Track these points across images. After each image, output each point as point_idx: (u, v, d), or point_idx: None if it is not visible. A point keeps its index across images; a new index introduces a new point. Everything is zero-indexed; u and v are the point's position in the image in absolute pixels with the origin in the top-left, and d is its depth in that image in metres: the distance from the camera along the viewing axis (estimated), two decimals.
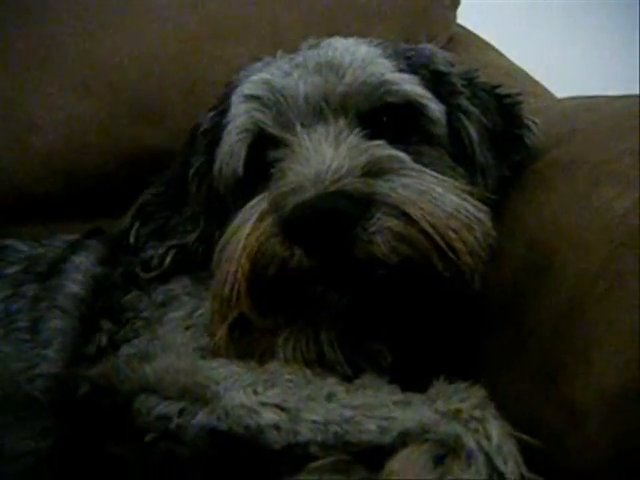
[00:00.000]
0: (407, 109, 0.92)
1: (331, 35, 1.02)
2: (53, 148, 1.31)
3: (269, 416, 0.73)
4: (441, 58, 1.01)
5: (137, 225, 1.05)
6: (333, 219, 0.75)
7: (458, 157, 0.94)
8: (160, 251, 1.01)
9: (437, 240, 0.77)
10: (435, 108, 0.94)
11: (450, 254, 0.78)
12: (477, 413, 0.69)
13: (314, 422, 0.72)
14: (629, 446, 0.65)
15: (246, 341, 0.83)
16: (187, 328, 0.91)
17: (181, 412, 0.76)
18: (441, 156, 0.93)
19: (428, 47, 1.04)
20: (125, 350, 0.89)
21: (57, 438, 0.85)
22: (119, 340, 0.93)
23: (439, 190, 0.81)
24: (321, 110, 0.89)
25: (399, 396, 0.74)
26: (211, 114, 1.04)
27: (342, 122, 0.88)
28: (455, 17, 1.64)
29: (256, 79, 0.96)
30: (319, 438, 0.71)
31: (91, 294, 1.01)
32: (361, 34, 1.02)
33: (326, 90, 0.90)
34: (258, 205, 0.83)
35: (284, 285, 0.79)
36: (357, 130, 0.87)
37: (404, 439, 0.69)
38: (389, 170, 0.81)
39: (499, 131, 0.98)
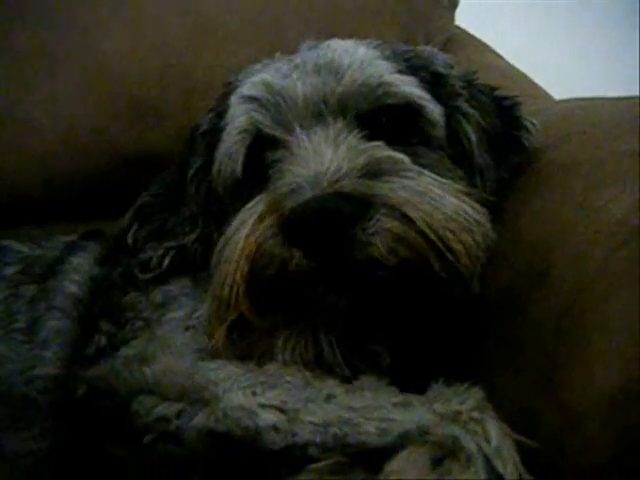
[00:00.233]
0: (406, 110, 0.92)
1: (330, 37, 1.02)
2: (51, 149, 1.30)
3: (268, 417, 0.73)
4: (440, 60, 1.01)
5: (136, 226, 1.05)
6: (332, 220, 0.75)
7: (457, 159, 0.94)
8: (159, 252, 1.00)
9: (435, 241, 0.77)
10: (434, 110, 0.94)
11: (448, 255, 0.78)
12: (476, 415, 0.69)
13: (313, 424, 0.72)
14: (629, 447, 0.65)
15: (245, 342, 0.83)
16: (186, 329, 0.91)
17: (180, 413, 0.76)
18: (440, 158, 0.92)
19: (427, 49, 1.04)
20: (124, 351, 0.89)
21: (56, 439, 0.86)
22: (118, 341, 0.92)
23: (438, 192, 0.81)
24: (320, 111, 0.89)
25: (398, 398, 0.74)
26: (210, 115, 1.04)
27: (341, 123, 0.88)
28: (453, 18, 1.64)
29: (255, 80, 0.96)
30: (318, 440, 0.71)
31: (89, 295, 1.01)
32: (360, 36, 1.02)
33: (325, 91, 0.90)
34: (257, 206, 0.83)
35: (283, 286, 0.79)
36: (356, 131, 0.87)
37: (403, 441, 0.69)
38: (388, 171, 0.81)
39: (498, 133, 0.98)
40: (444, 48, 1.44)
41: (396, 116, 0.92)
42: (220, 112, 1.01)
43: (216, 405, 0.75)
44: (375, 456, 0.69)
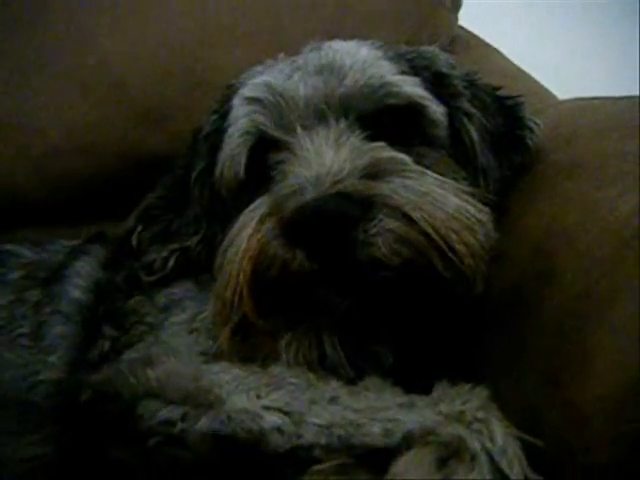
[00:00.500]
0: (408, 111, 0.92)
1: (333, 38, 1.02)
2: (54, 151, 1.30)
3: (272, 420, 0.73)
4: (443, 60, 1.01)
5: (139, 228, 1.05)
6: (334, 221, 0.75)
7: (459, 159, 0.94)
8: (163, 254, 1.01)
9: (438, 242, 0.77)
10: (436, 110, 0.94)
11: (451, 255, 0.78)
12: (480, 415, 0.69)
13: (318, 425, 0.72)
14: (633, 445, 0.65)
15: (249, 344, 0.83)
16: (190, 332, 0.91)
17: (184, 417, 0.76)
18: (442, 158, 0.92)
19: (430, 49, 1.03)
20: (128, 355, 0.89)
21: (60, 444, 0.85)
22: (122, 345, 0.93)
23: (440, 192, 0.81)
24: (322, 112, 0.89)
25: (402, 398, 0.74)
26: (212, 117, 1.04)
27: (343, 124, 0.88)
28: (457, 19, 1.63)
29: (257, 82, 0.96)
30: (323, 441, 0.71)
31: (94, 299, 1.01)
32: (363, 37, 1.02)
33: (327, 92, 0.90)
34: (259, 208, 0.83)
35: (286, 287, 0.79)
36: (358, 132, 0.87)
37: (408, 441, 0.69)
38: (390, 172, 0.81)
39: (500, 133, 0.98)
40: (448, 49, 1.43)
41: (398, 116, 0.91)
42: (222, 114, 1.01)
43: (220, 408, 0.75)
44: (380, 457, 0.69)
